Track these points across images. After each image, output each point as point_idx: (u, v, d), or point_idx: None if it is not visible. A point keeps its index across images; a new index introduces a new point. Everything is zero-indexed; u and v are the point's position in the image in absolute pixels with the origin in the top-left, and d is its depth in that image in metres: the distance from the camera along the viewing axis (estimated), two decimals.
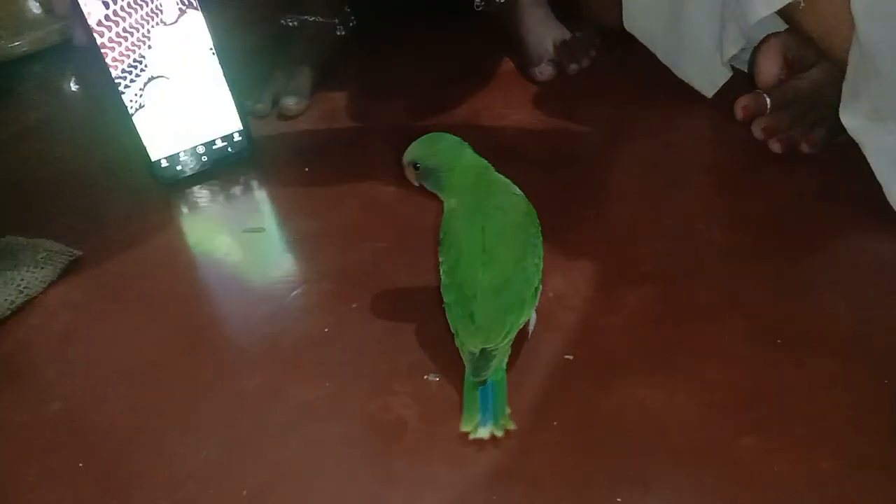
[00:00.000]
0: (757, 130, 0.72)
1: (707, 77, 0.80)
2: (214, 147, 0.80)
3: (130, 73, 0.74)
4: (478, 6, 0.98)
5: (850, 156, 0.65)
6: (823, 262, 0.62)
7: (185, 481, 0.50)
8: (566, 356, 0.54)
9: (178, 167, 0.79)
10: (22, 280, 0.67)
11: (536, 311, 0.55)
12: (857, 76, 0.63)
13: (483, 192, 0.54)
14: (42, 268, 0.69)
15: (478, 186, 0.54)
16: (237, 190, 0.78)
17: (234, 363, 0.58)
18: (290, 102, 0.88)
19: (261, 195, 0.78)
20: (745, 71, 0.81)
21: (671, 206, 0.69)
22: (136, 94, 0.75)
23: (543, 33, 0.91)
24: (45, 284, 0.68)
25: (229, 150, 0.81)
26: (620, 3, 0.85)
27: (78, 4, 0.70)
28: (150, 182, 0.79)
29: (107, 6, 0.71)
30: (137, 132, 0.76)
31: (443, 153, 0.55)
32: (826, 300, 0.57)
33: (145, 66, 0.75)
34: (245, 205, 0.76)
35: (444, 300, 0.53)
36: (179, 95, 0.77)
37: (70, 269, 0.69)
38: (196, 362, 0.59)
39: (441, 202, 0.56)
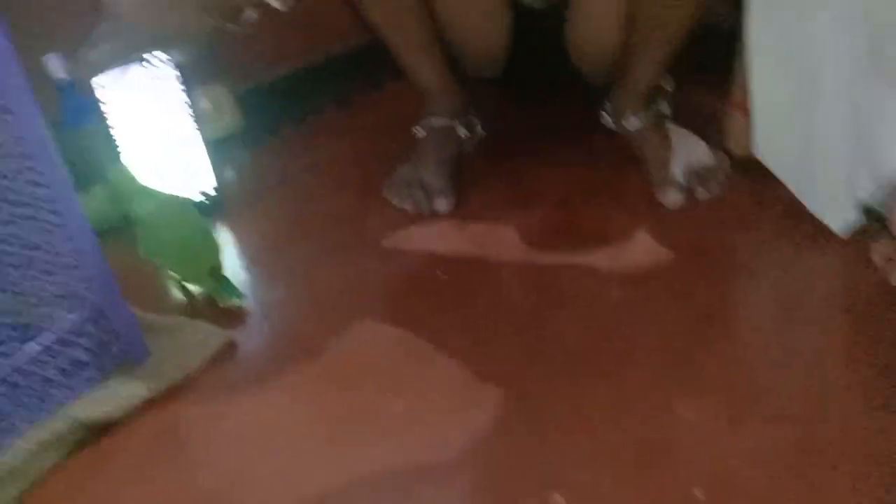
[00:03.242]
0: (894, 278, 0.71)
1: (839, 216, 0.80)
2: (194, 201, 0.96)
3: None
4: (603, 121, 1.02)
5: None
6: None
7: None
8: (695, 492, 0.55)
9: None
10: (183, 358, 0.74)
11: None
12: None
13: None
14: (200, 348, 0.76)
15: None
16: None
17: (370, 458, 0.62)
18: (442, 204, 0.96)
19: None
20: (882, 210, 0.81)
21: (801, 342, 0.69)
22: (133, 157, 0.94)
23: (671, 159, 0.93)
24: (202, 363, 0.75)
25: (205, 202, 1.00)
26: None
27: None
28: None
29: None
30: None
31: None
32: None
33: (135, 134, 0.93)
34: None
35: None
36: (165, 158, 0.96)
37: (224, 351, 0.76)
38: (339, 452, 0.63)
39: None
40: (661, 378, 0.66)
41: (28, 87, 0.60)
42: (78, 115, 1.03)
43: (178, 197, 0.86)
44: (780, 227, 0.84)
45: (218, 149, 1.05)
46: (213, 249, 0.84)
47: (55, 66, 1.02)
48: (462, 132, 1.05)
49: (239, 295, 0.82)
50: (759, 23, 0.79)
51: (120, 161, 0.89)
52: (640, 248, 0.84)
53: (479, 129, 1.09)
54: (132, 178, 0.87)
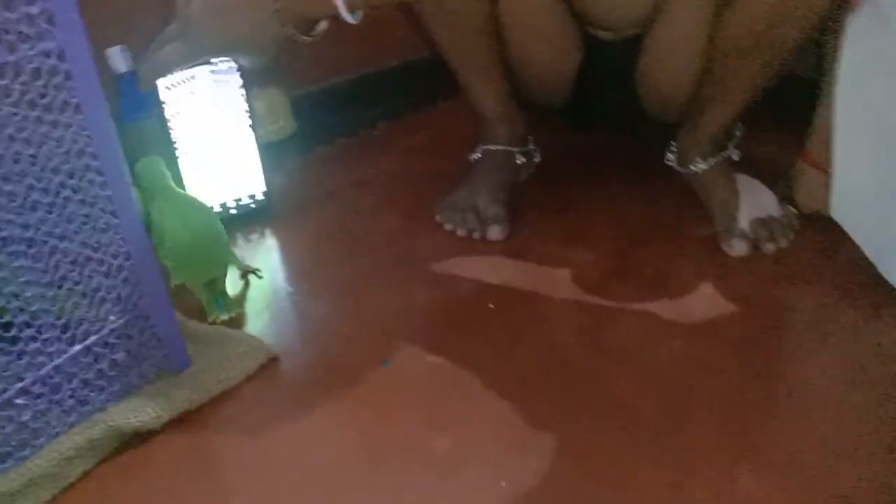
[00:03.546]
0: None
1: None
2: (241, 203, 1.00)
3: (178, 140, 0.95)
4: (668, 161, 0.99)
5: None
6: None
7: None
8: None
9: None
10: (223, 371, 0.72)
11: None
12: None
13: None
14: (242, 361, 0.74)
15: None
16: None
17: (411, 494, 0.60)
18: (496, 232, 0.94)
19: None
20: None
21: (864, 413, 0.65)
22: (187, 156, 0.95)
23: (738, 207, 0.90)
24: (242, 377, 0.73)
25: (252, 206, 1.00)
26: (827, 187, 0.85)
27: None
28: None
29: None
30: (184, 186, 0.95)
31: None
32: None
33: (192, 133, 0.95)
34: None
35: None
36: (218, 159, 0.97)
37: (266, 366, 0.74)
38: (379, 485, 0.61)
39: None
40: (721, 442, 0.63)
41: (99, 86, 0.59)
42: (135, 110, 1.02)
43: (197, 201, 0.85)
44: (848, 288, 0.81)
45: (268, 153, 1.04)
46: (219, 261, 0.82)
47: (116, 59, 1.02)
48: (520, 159, 1.03)
49: (229, 311, 0.80)
50: (848, 85, 0.76)
51: (150, 156, 0.87)
52: (701, 299, 0.81)
53: (536, 157, 1.07)
54: (158, 174, 0.85)
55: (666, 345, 0.74)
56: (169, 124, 0.93)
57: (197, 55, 0.82)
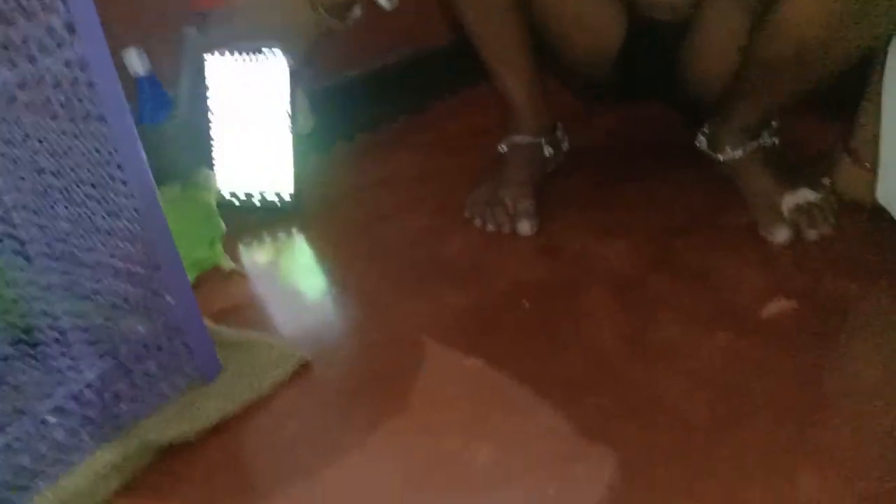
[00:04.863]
0: None
1: None
2: (267, 198, 0.99)
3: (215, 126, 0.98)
4: (698, 144, 0.96)
5: None
6: None
7: None
8: None
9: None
10: (256, 378, 0.71)
11: None
12: None
13: None
14: (274, 368, 0.72)
15: None
16: None
17: (460, 497, 0.58)
18: (525, 227, 0.91)
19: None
20: None
21: None
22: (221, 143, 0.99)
23: (775, 193, 0.87)
24: (275, 385, 0.71)
25: (278, 204, 0.99)
26: (869, 175, 0.82)
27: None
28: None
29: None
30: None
31: None
32: None
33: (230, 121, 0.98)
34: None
35: None
36: (253, 149, 0.98)
37: (299, 372, 0.72)
38: (423, 496, 0.59)
39: None
40: (778, 445, 0.60)
41: (122, 95, 0.57)
42: (154, 112, 1.01)
43: (206, 204, 0.86)
44: (894, 278, 0.78)
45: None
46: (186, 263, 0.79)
47: (133, 61, 1.00)
48: (548, 151, 1.00)
49: None
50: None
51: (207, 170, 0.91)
52: (745, 292, 0.78)
53: (565, 145, 1.04)
54: (200, 186, 0.87)
55: (712, 341, 0.72)
56: (209, 113, 0.96)
57: (239, 38, 0.84)
